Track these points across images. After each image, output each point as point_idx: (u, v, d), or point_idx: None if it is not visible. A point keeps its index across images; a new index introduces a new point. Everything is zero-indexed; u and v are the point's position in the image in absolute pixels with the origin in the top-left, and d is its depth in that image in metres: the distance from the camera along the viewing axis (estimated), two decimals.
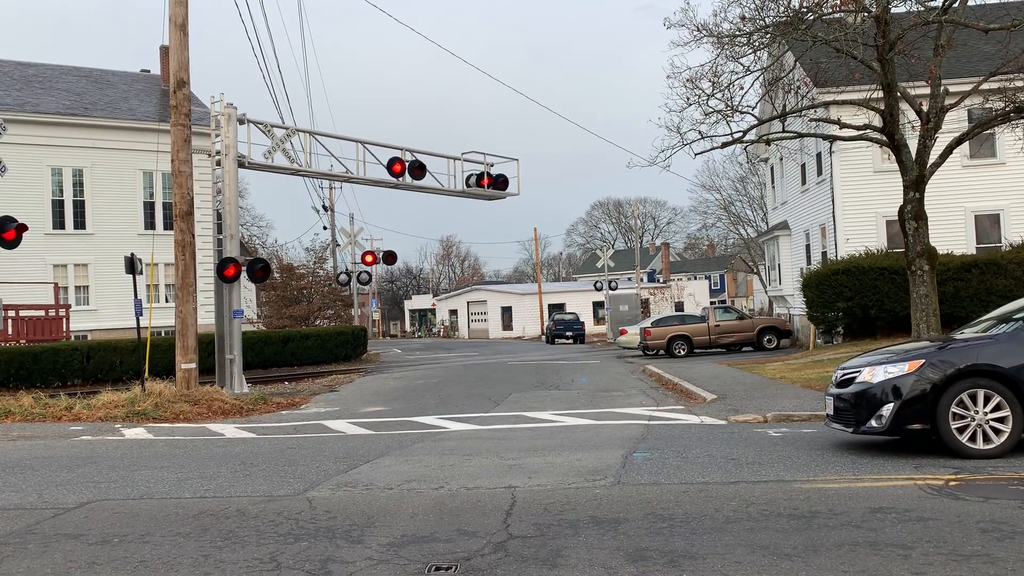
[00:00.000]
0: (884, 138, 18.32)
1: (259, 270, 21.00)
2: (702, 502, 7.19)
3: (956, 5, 17.53)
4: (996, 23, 17.55)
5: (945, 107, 17.59)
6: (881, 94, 18.09)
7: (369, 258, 35.50)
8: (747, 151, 26.04)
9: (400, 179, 24.43)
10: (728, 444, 10.28)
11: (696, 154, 19.78)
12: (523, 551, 5.91)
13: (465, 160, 26.42)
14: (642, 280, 62.59)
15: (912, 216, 17.67)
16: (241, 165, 21.46)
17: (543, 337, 57.66)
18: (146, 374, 19.22)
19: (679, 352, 30.72)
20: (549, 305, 67.09)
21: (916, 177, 17.62)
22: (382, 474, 9.14)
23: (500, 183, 26.69)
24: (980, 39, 21.59)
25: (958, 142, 17.88)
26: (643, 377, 22.31)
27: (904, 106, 18.60)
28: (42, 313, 28.45)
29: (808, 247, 31.77)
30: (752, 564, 5.44)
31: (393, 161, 24.21)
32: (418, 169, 24.58)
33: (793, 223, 34.02)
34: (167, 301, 31.80)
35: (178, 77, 18.96)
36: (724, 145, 19.50)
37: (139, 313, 18.90)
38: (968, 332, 9.90)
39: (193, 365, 18.44)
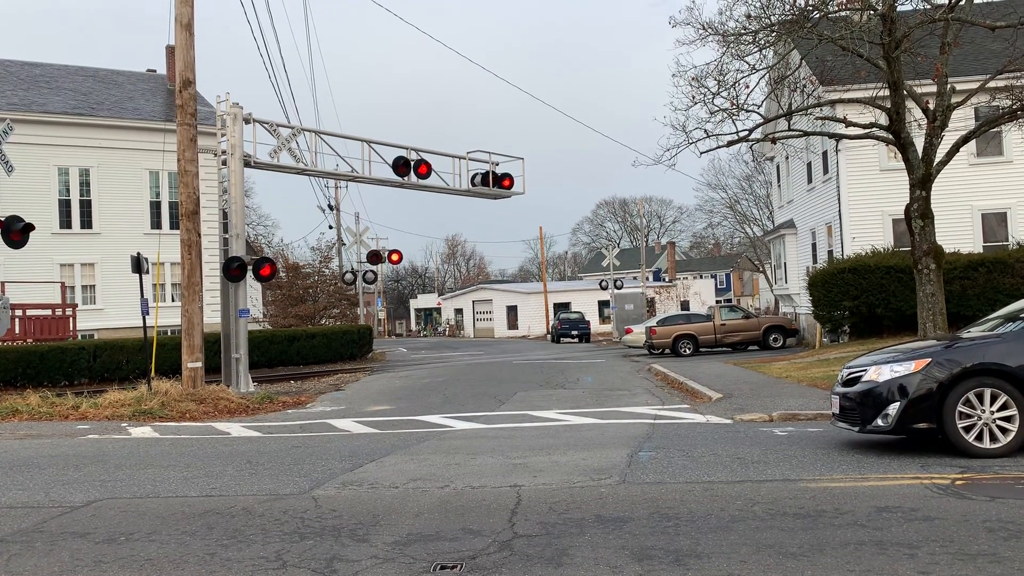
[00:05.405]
0: (890, 136, 18.28)
1: (265, 269, 21.04)
2: (707, 501, 7.18)
3: (963, 3, 17.48)
4: (1003, 21, 17.52)
5: (952, 105, 17.54)
6: (887, 92, 18.05)
7: (375, 257, 35.50)
8: (753, 150, 26.04)
9: (406, 178, 24.44)
10: (734, 443, 10.27)
11: (702, 153, 19.80)
12: (528, 550, 5.92)
13: (470, 159, 26.41)
14: (648, 279, 62.50)
15: (919, 215, 17.62)
16: (247, 164, 21.51)
17: (548, 336, 57.65)
18: (152, 373, 19.27)
19: (685, 351, 30.69)
20: (554, 304, 67.06)
21: (923, 175, 17.57)
22: (387, 473, 9.15)
23: (505, 182, 26.67)
24: (987, 37, 21.50)
25: (965, 140, 17.83)
26: (648, 376, 22.28)
27: (910, 104, 18.56)
28: (49, 312, 28.52)
29: (814, 246, 31.70)
30: (757, 563, 5.43)
31: (398, 160, 24.22)
32: (423, 168, 24.60)
33: (799, 222, 33.94)
34: (173, 300, 31.88)
35: (184, 77, 19.00)
36: (730, 144, 19.48)
37: (145, 312, 18.95)
38: (975, 331, 9.87)
39: (199, 364, 18.48)
